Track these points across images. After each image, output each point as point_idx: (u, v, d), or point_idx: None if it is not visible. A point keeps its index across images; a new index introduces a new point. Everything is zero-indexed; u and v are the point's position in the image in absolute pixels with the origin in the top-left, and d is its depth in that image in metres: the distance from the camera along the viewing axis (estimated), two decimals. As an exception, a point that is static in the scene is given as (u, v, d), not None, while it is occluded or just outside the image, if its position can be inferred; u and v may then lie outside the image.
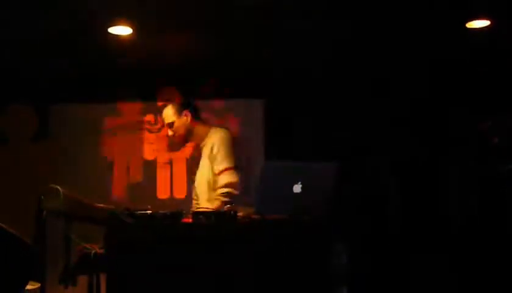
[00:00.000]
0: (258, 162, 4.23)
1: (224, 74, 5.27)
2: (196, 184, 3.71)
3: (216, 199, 3.49)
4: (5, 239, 2.77)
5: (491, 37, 4.49)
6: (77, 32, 4.40)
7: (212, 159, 3.57)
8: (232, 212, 2.79)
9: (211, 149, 3.59)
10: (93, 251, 2.87)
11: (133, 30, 4.36)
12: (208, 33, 4.56)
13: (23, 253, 2.79)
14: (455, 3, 4.01)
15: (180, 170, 5.58)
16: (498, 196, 3.54)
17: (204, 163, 3.64)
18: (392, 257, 4.26)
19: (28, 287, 2.96)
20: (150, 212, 2.71)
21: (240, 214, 2.79)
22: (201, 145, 3.71)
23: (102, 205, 2.98)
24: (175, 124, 3.71)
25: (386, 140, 4.90)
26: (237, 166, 3.55)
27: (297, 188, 2.73)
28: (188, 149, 4.88)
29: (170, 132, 3.76)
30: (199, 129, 3.73)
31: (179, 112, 3.71)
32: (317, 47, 4.78)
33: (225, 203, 3.41)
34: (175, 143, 3.96)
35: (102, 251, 2.85)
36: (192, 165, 3.86)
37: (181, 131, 3.72)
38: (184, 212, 2.81)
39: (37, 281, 3.06)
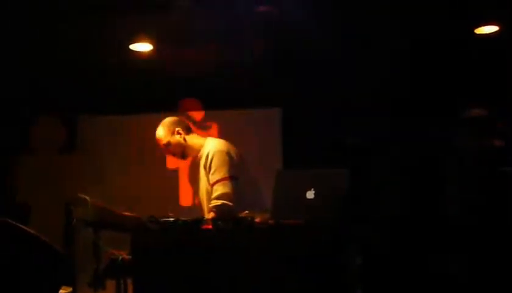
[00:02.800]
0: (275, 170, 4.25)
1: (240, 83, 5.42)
2: (198, 194, 3.72)
3: (210, 211, 3.44)
4: (38, 247, 2.95)
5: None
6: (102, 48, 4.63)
7: (207, 170, 3.56)
8: (250, 218, 2.93)
9: (205, 160, 3.57)
10: (120, 257, 3.00)
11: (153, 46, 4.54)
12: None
13: (55, 259, 2.97)
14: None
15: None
16: (498, 195, 3.57)
17: (201, 174, 3.62)
18: (406, 257, 4.34)
19: (61, 291, 3.13)
20: (172, 219, 2.85)
21: (257, 220, 2.91)
22: (198, 156, 3.68)
23: (128, 213, 3.08)
24: (171, 144, 3.67)
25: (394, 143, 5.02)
26: (231, 176, 3.50)
27: (310, 194, 2.86)
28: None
29: (168, 152, 3.75)
30: (194, 142, 3.70)
31: (171, 132, 3.67)
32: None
33: (220, 216, 3.33)
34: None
35: (128, 256, 2.97)
36: (191, 175, 3.83)
37: (178, 149, 3.68)
38: (205, 218, 2.98)
39: (69, 285, 3.23)
